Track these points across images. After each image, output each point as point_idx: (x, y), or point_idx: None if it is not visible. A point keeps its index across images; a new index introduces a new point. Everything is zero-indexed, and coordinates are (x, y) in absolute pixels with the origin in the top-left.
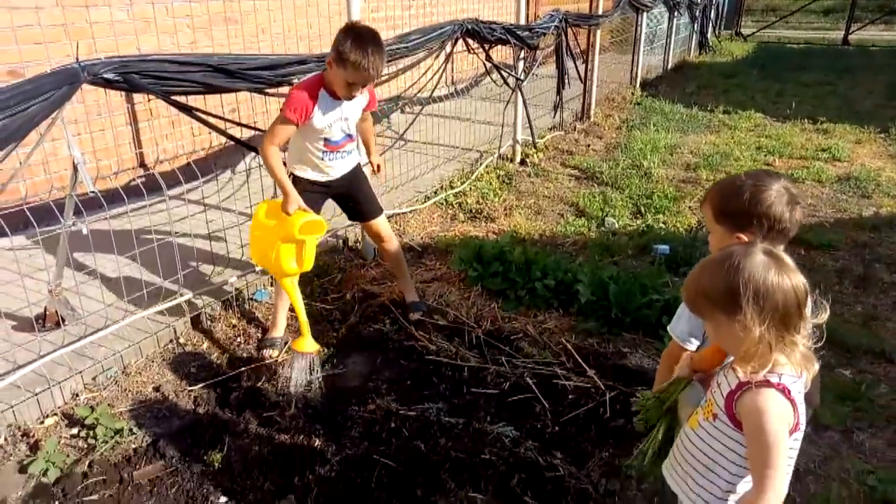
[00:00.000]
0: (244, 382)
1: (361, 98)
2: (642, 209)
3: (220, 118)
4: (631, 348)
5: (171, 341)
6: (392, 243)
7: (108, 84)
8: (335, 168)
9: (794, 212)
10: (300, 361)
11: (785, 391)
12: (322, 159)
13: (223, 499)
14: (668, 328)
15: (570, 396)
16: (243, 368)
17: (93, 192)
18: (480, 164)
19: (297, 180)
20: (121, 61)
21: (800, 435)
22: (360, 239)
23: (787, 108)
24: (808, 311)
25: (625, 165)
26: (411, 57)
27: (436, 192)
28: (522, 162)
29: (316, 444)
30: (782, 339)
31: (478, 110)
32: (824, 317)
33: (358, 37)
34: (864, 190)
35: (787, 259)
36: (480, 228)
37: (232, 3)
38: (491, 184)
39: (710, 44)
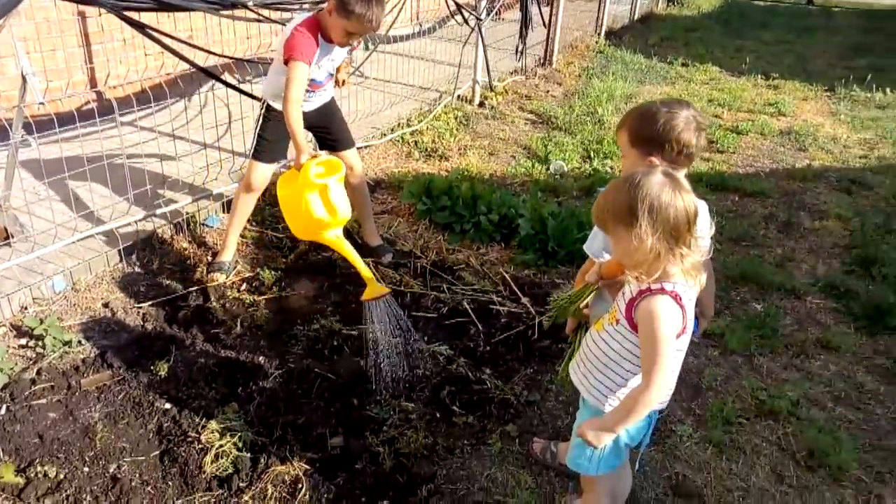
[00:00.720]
0: (192, 302)
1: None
2: (592, 154)
3: (175, 39)
4: (564, 279)
5: (121, 261)
6: (360, 179)
7: None
8: (312, 102)
9: (699, 138)
10: (377, 309)
11: (676, 298)
12: (304, 97)
13: (168, 405)
14: (584, 247)
15: (502, 320)
16: (192, 289)
17: (42, 102)
18: (439, 103)
19: (272, 112)
20: None
21: (686, 338)
22: None
23: (742, 64)
24: (698, 229)
25: (580, 112)
26: None
27: (392, 130)
28: (481, 104)
29: (260, 359)
30: (671, 250)
31: (440, 50)
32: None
33: None
34: (801, 144)
35: (683, 181)
36: (434, 166)
37: None
38: (448, 124)
39: None
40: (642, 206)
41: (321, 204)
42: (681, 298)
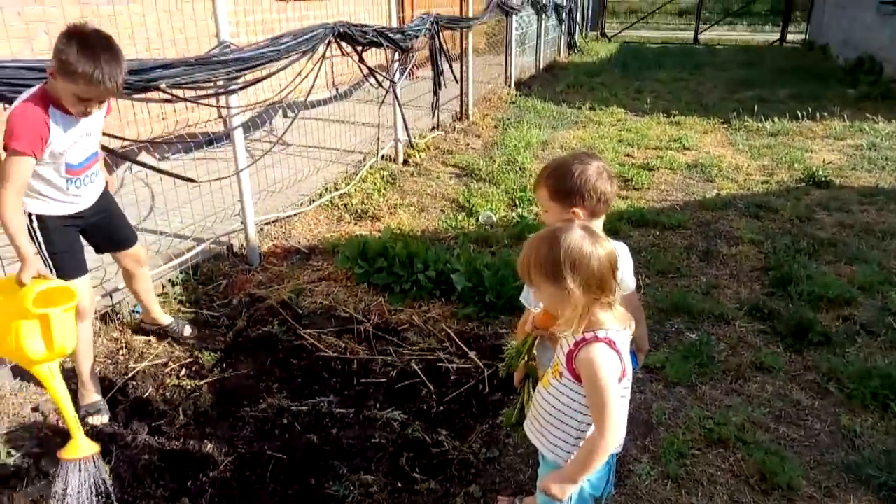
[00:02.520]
0: (130, 394)
1: (100, 110)
2: (517, 202)
3: None
4: (507, 329)
5: None
6: (144, 267)
7: None
8: (83, 196)
9: (612, 184)
10: (76, 471)
11: (611, 343)
12: (67, 189)
13: None
14: (521, 298)
15: (452, 377)
16: (130, 376)
17: None
18: (364, 165)
19: (42, 221)
20: None
21: (628, 381)
22: (244, 244)
23: (644, 104)
24: (619, 274)
25: (501, 162)
26: (284, 60)
27: (320, 195)
28: (405, 162)
29: (208, 447)
30: (598, 299)
31: (359, 112)
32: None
33: (85, 43)
34: (708, 175)
35: (600, 233)
36: (366, 227)
37: (91, 6)
38: (375, 184)
39: (578, 44)
40: (566, 262)
41: (38, 335)
42: (615, 343)
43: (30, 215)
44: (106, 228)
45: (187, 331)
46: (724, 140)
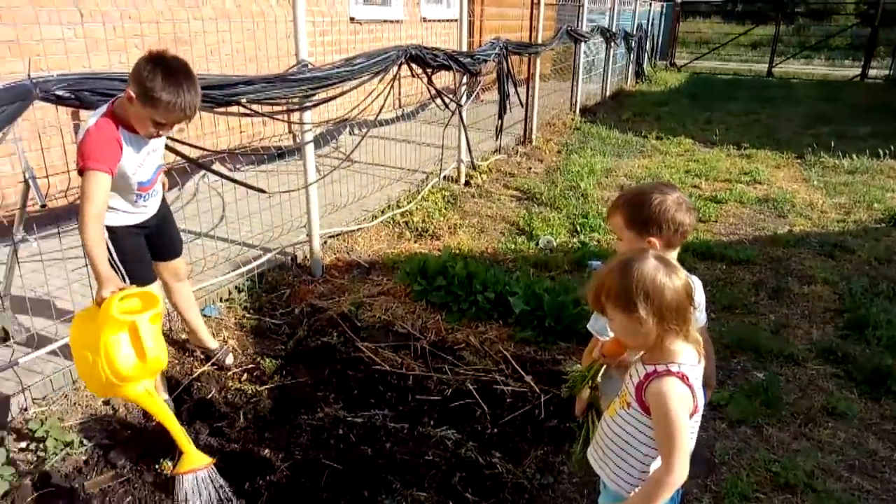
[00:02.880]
0: (195, 394)
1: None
2: (578, 228)
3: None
4: (565, 355)
5: None
6: (187, 283)
7: (59, 101)
8: (150, 206)
9: (691, 216)
10: (194, 483)
11: (684, 378)
12: (136, 203)
13: None
14: (588, 326)
15: (508, 400)
16: (194, 377)
17: (44, 205)
18: (426, 184)
19: (114, 232)
20: (73, 78)
21: (698, 416)
22: (308, 256)
23: (714, 135)
24: (696, 303)
25: (563, 187)
26: (357, 80)
27: (383, 212)
28: (467, 183)
29: (265, 451)
30: (671, 329)
31: (424, 133)
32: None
33: (169, 71)
34: (780, 210)
35: (674, 262)
36: (426, 246)
37: (182, 24)
38: (436, 203)
39: (646, 73)
40: (638, 292)
41: (128, 346)
42: (688, 378)
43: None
44: (163, 233)
45: (229, 360)
46: (798, 176)
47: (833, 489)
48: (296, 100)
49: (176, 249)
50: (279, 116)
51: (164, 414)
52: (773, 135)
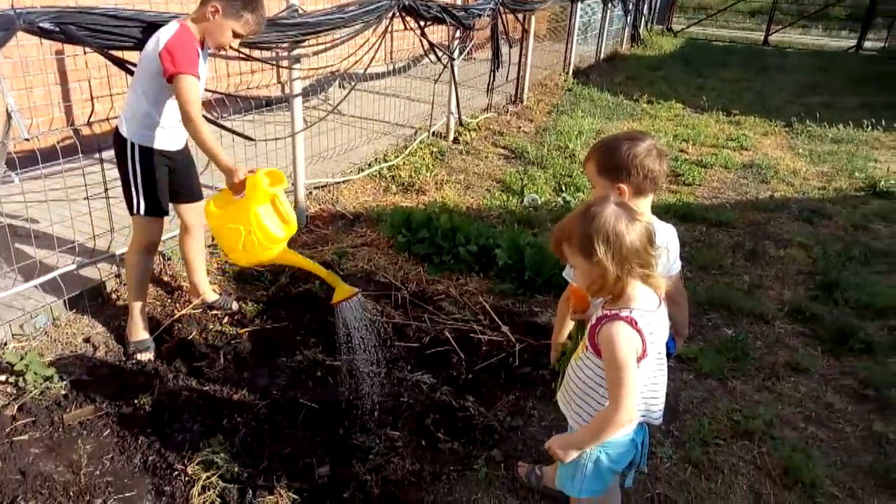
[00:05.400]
0: (175, 335)
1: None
2: (563, 187)
3: None
4: (542, 308)
5: (101, 296)
6: (202, 231)
7: (43, 33)
8: (182, 135)
9: (662, 164)
10: (347, 310)
11: (632, 322)
12: (177, 126)
13: (152, 438)
14: (564, 273)
15: (484, 349)
16: (176, 318)
17: (27, 139)
18: (414, 139)
19: (144, 153)
20: (58, 11)
21: (655, 361)
22: (292, 206)
23: (704, 101)
24: (669, 251)
25: (551, 147)
26: (349, 28)
27: (370, 165)
28: (455, 140)
29: (244, 390)
30: (631, 272)
31: (414, 88)
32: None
33: None
34: (763, 176)
35: (634, 209)
36: (412, 200)
37: None
38: (424, 159)
39: (642, 37)
40: (598, 236)
41: (274, 215)
42: (636, 323)
43: (132, 145)
44: (187, 174)
45: (235, 306)
46: (784, 143)
47: (789, 437)
48: (285, 44)
49: (200, 192)
50: (270, 62)
51: (310, 263)
52: (763, 102)
